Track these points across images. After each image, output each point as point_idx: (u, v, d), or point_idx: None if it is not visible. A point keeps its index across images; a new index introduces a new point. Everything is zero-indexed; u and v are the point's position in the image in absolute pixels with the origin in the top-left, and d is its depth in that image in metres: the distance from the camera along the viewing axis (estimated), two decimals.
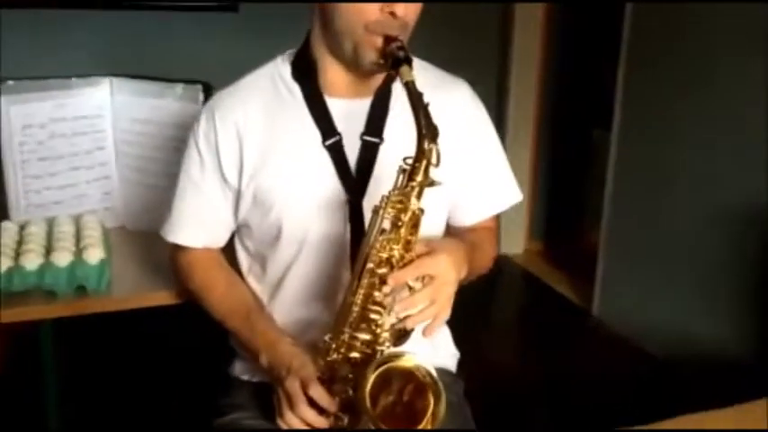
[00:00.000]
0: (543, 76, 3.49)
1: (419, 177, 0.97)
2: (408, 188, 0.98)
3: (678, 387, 2.39)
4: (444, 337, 1.31)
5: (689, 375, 2.39)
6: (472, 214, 1.28)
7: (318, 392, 1.02)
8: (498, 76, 3.47)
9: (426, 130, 0.96)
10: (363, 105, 1.16)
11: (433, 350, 1.22)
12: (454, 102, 1.19)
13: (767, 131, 2.18)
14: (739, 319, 2.32)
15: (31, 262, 1.30)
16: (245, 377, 1.27)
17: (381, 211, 0.99)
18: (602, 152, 2.94)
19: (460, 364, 1.32)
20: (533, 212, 3.62)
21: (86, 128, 1.58)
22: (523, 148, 3.50)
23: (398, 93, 1.17)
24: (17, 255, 1.33)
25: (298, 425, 1.03)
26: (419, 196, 0.98)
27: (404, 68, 1.00)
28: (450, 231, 1.28)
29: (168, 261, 1.32)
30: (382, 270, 1.00)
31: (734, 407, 1.08)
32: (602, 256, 2.94)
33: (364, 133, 1.15)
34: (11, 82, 1.50)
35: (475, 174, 1.22)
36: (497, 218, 1.34)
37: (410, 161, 0.98)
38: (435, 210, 1.13)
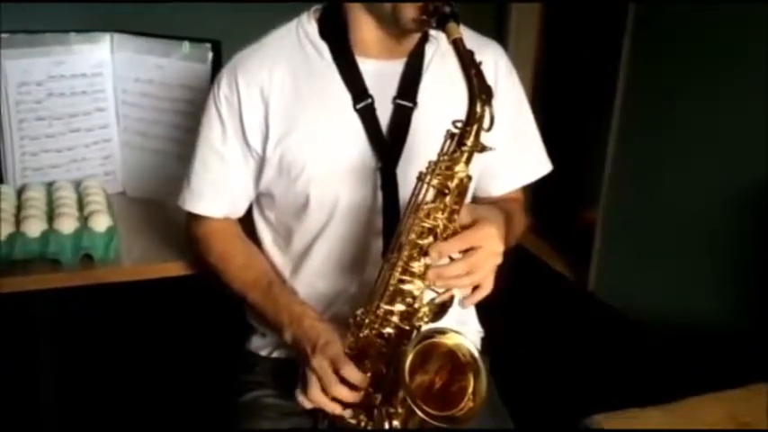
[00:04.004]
0: (540, 58, 3.42)
1: (469, 142, 0.91)
2: (457, 153, 0.92)
3: (676, 363, 2.38)
4: (471, 313, 1.26)
5: (686, 352, 2.39)
6: (501, 184, 1.24)
7: (350, 371, 0.97)
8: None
9: (479, 90, 0.90)
10: (396, 67, 1.09)
11: (460, 326, 1.17)
12: (488, 64, 1.12)
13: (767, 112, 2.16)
14: (737, 295, 2.32)
15: (34, 228, 1.22)
16: (264, 353, 1.21)
17: (428, 178, 0.93)
18: (600, 130, 2.90)
19: None
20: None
21: (86, 87, 1.49)
22: None
23: (431, 55, 1.11)
24: (17, 221, 1.24)
25: (329, 404, 0.98)
26: (468, 162, 0.92)
27: (451, 25, 0.93)
28: (477, 202, 1.23)
29: (179, 230, 1.25)
30: (424, 241, 0.95)
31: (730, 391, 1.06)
32: (599, 232, 2.92)
33: (397, 97, 1.08)
34: (5, 35, 1.40)
35: (506, 141, 1.16)
36: (525, 189, 1.30)
37: (460, 125, 0.92)
38: None
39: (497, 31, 3.36)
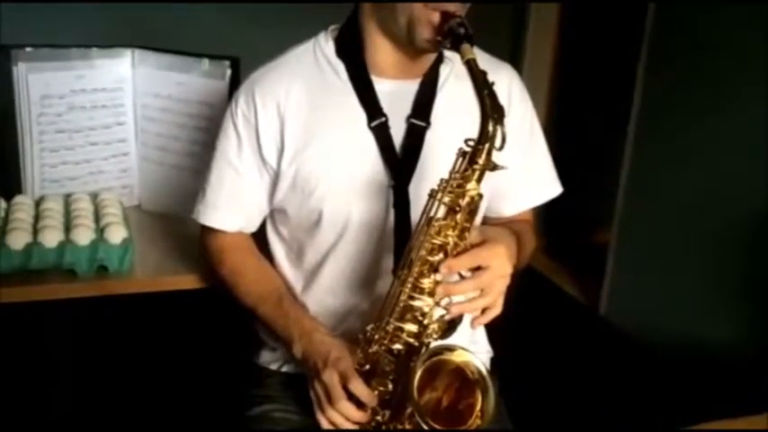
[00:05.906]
0: (556, 75, 3.43)
1: (481, 160, 0.92)
2: (469, 171, 0.93)
3: (688, 390, 2.36)
4: (481, 334, 1.26)
5: (700, 378, 2.36)
6: (512, 205, 1.24)
7: (359, 387, 0.97)
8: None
9: (491, 110, 0.91)
10: (410, 87, 1.10)
11: (471, 346, 1.17)
12: (501, 87, 1.14)
13: None
14: (750, 321, 2.30)
15: (51, 239, 1.23)
16: (273, 367, 1.22)
17: (440, 195, 0.94)
18: (613, 149, 2.90)
19: None
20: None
21: (106, 101, 1.51)
22: None
23: (445, 76, 1.13)
24: (35, 231, 1.26)
25: (337, 420, 0.98)
26: (479, 180, 0.93)
27: (465, 46, 0.95)
28: (487, 223, 1.23)
29: (193, 244, 1.27)
30: (435, 258, 0.95)
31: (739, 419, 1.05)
32: (612, 253, 2.90)
33: (411, 116, 1.10)
34: (29, 49, 1.43)
35: (517, 163, 1.17)
36: (536, 210, 1.30)
37: (472, 143, 0.93)
38: None
39: (515, 31, 3.34)
